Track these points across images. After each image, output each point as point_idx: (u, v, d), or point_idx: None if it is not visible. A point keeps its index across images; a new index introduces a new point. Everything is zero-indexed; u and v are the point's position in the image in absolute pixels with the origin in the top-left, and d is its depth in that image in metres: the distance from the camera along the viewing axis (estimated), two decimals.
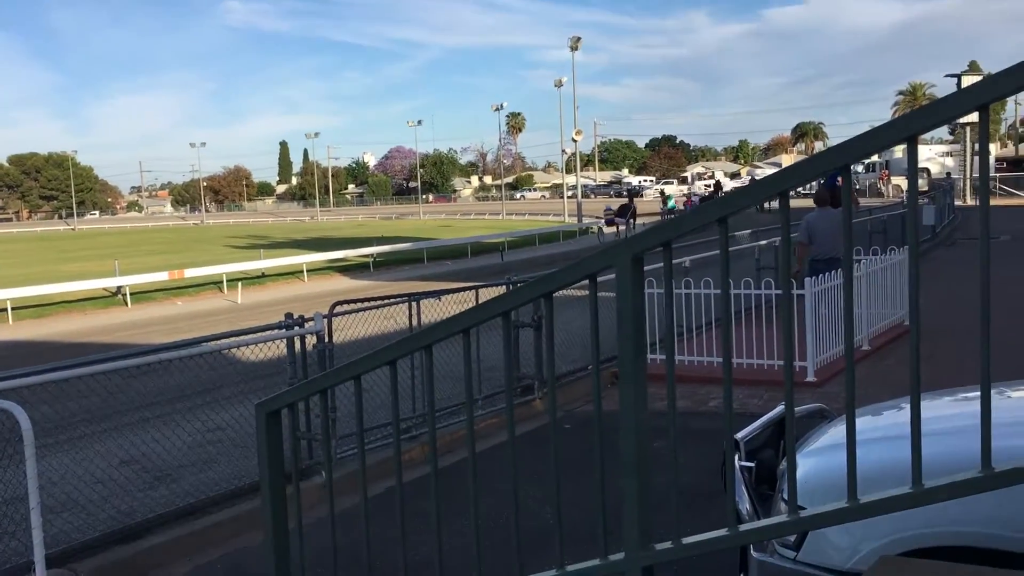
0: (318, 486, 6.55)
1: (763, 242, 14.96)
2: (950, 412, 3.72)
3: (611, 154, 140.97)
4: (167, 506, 6.49)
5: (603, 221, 43.28)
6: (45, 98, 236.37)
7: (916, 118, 1.70)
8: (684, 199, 55.39)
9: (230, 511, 6.53)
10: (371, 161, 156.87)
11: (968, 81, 47.68)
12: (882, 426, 3.63)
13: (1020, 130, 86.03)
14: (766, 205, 3.00)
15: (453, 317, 2.66)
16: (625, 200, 43.57)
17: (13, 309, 23.03)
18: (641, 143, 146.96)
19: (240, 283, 27.63)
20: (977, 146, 48.00)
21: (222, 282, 28.13)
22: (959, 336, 10.59)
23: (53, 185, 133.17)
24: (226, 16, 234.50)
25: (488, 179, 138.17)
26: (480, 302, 9.94)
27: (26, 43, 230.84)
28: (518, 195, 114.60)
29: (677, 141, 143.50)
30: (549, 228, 48.48)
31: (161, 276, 27.92)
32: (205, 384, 7.74)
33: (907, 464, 1.83)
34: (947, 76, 50.35)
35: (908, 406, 1.87)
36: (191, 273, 28.59)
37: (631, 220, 38.83)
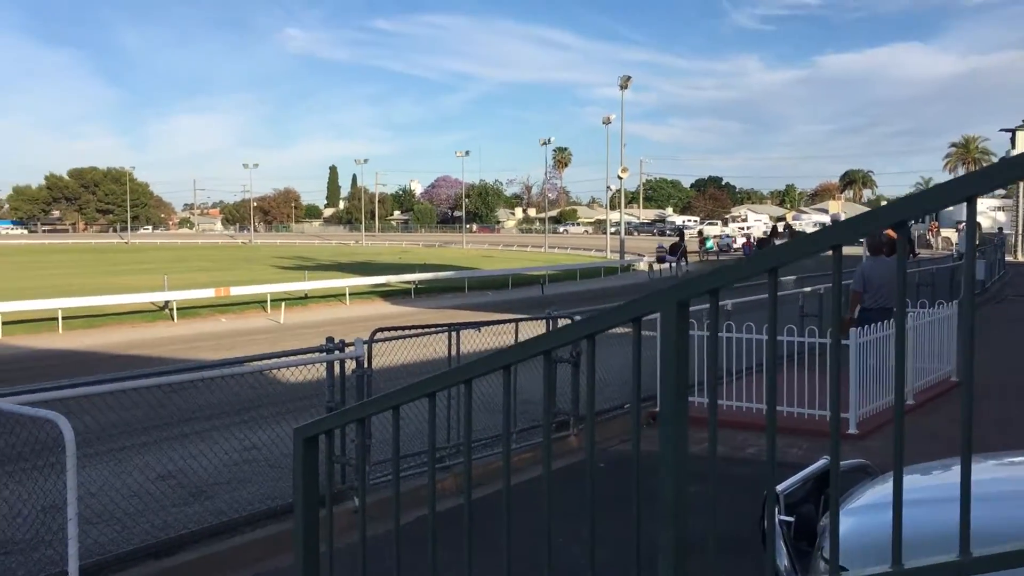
0: (350, 511, 6.55)
1: (808, 288, 14.78)
2: (997, 476, 3.63)
3: (656, 192, 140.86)
4: (200, 523, 6.53)
5: (655, 257, 44.66)
6: (108, 114, 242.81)
7: (975, 181, 1.67)
8: (744, 241, 55.16)
9: (262, 531, 6.55)
10: (418, 189, 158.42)
11: (1023, 136, 47.00)
12: (928, 487, 3.55)
13: None
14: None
15: (495, 353, 2.66)
16: (676, 239, 45.04)
17: (64, 318, 23.51)
18: (686, 183, 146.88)
19: (284, 303, 27.95)
20: None
21: (266, 301, 28.47)
22: (1008, 395, 10.36)
23: (110, 199, 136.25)
24: (287, 43, 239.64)
25: (532, 212, 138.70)
26: (519, 335, 9.99)
27: (94, 61, 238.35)
28: (561, 229, 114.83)
29: (723, 183, 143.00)
30: (591, 263, 48.43)
31: (208, 293, 28.35)
32: (244, 402, 7.81)
33: (954, 529, 1.78)
34: (1002, 130, 49.58)
35: (956, 468, 1.82)
36: (237, 291, 28.99)
37: (682, 258, 40.76)
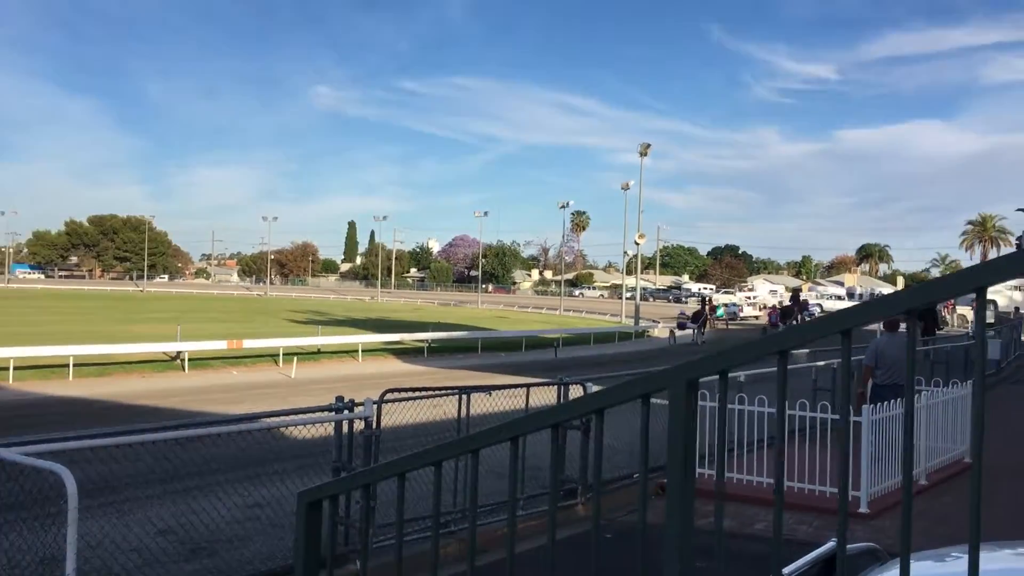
0: (350, 574, 6.46)
1: (821, 363, 14.69)
2: (1011, 567, 3.55)
3: (672, 259, 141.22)
4: None
5: (676, 324, 45.70)
6: (130, 163, 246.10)
7: (987, 271, 1.68)
8: (769, 310, 54.75)
9: None
10: (435, 247, 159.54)
11: None
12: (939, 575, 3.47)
13: None
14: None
15: (503, 425, 2.66)
16: (698, 307, 46.30)
17: (75, 365, 23.58)
18: (703, 250, 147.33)
19: (296, 358, 27.97)
20: None
21: (278, 355, 28.50)
22: (1022, 478, 10.19)
23: (128, 247, 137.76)
24: (315, 100, 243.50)
25: (548, 274, 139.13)
26: (530, 400, 9.92)
27: (119, 110, 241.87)
28: (577, 292, 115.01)
29: (739, 251, 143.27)
30: (605, 328, 48.32)
31: (220, 345, 28.42)
32: (250, 458, 7.77)
33: None
34: (1019, 210, 49.61)
35: (966, 556, 1.79)
36: (249, 344, 29.04)
37: (703, 326, 41.63)
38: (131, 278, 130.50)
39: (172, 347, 27.09)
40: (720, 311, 57.89)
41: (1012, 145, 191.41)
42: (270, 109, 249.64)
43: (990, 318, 38.72)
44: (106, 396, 19.96)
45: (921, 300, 1.83)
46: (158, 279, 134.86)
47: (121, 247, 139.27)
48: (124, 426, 6.74)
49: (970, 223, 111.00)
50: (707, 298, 58.10)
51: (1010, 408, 17.55)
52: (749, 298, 74.69)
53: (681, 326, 45.04)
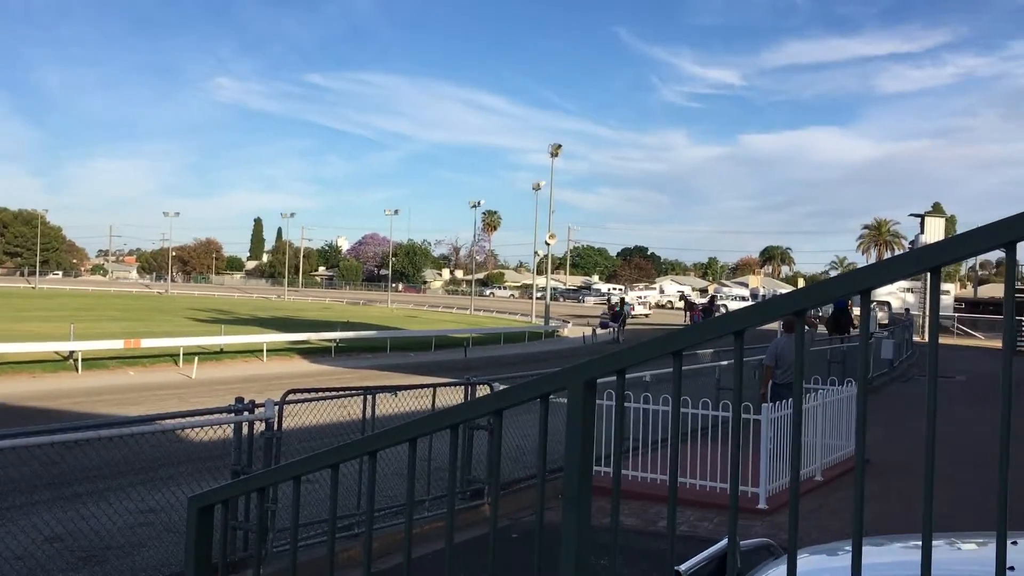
0: None
1: (724, 362, 15.05)
2: (903, 559, 3.67)
3: (583, 259, 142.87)
4: None
5: (599, 323, 48.85)
6: (23, 154, 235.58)
7: (871, 274, 1.72)
8: (693, 310, 58.05)
9: None
10: (344, 245, 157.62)
11: (931, 223, 49.29)
12: (830, 569, 3.57)
13: (980, 272, 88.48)
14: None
15: (402, 426, 2.61)
16: (617, 308, 49.65)
17: None
18: (613, 251, 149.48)
19: (197, 358, 27.18)
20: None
21: (178, 355, 27.67)
22: (912, 474, 10.62)
23: (19, 242, 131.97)
24: (216, 91, 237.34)
25: (459, 273, 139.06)
26: (436, 401, 9.85)
27: (12, 99, 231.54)
28: (488, 292, 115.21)
29: (648, 252, 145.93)
30: (515, 328, 48.53)
31: (116, 344, 27.41)
32: (146, 462, 7.50)
33: None
34: (912, 215, 51.93)
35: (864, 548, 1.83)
36: (148, 343, 28.10)
37: (621, 325, 45.04)
38: (22, 274, 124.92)
39: (64, 346, 25.98)
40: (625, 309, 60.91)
41: (905, 152, 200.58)
42: (171, 101, 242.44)
43: (884, 319, 40.37)
44: None
45: (809, 302, 1.87)
46: (51, 275, 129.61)
47: (12, 241, 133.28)
48: (9, 428, 6.41)
49: (866, 227, 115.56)
50: (622, 299, 59.76)
51: (902, 406, 18.30)
52: (640, 297, 79.86)
53: (604, 325, 47.42)
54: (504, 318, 61.99)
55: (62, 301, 66.15)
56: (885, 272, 1.71)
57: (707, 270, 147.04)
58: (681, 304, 72.94)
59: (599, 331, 46.54)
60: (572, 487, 2.23)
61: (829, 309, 26.72)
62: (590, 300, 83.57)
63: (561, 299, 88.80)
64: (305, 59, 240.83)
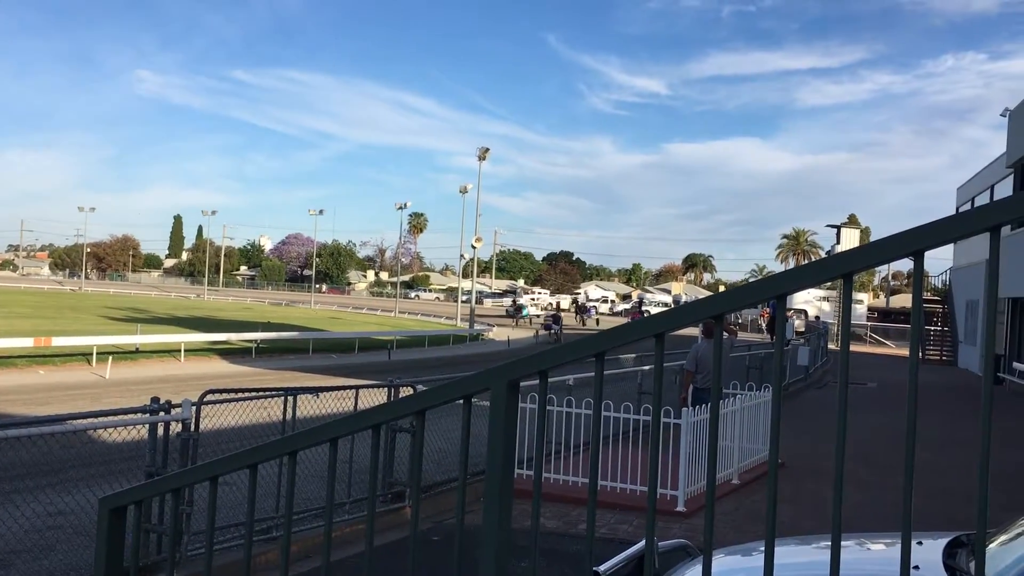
0: None
1: (647, 367, 15.26)
2: (815, 559, 3.78)
3: (509, 263, 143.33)
4: None
5: (543, 325, 53.32)
6: None
7: (785, 280, 1.78)
8: (631, 313, 69.29)
9: None
10: (267, 245, 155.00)
11: (847, 233, 50.87)
12: (744, 569, 3.66)
13: (892, 283, 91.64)
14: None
15: (322, 426, 2.58)
16: (555, 312, 56.61)
17: None
18: (539, 256, 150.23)
19: (111, 357, 26.38)
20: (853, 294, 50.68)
21: (92, 354, 26.81)
22: (825, 477, 10.94)
23: None
24: (136, 84, 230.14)
25: (384, 275, 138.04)
26: (359, 403, 9.75)
27: None
28: (413, 294, 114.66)
29: (573, 258, 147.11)
30: (440, 331, 48.42)
31: (26, 342, 26.44)
32: (55, 463, 7.26)
33: None
34: (828, 226, 53.55)
35: (777, 549, 1.88)
36: (59, 342, 27.16)
37: (560, 326, 49.49)
38: None
39: None
40: (525, 311, 69.21)
41: (823, 165, 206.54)
42: (89, 92, 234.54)
43: (801, 327, 41.49)
44: None
45: (729, 305, 1.91)
46: None
47: None
48: None
49: (785, 237, 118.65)
50: (558, 303, 70.94)
51: (816, 411, 18.83)
52: (533, 299, 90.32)
53: (547, 327, 51.18)
54: (429, 321, 61.77)
55: None
56: (801, 277, 1.77)
57: (631, 276, 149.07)
58: (572, 309, 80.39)
59: (541, 332, 50.35)
60: (493, 487, 2.24)
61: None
62: (487, 302, 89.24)
63: (487, 302, 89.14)
64: (230, 55, 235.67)
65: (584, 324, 65.12)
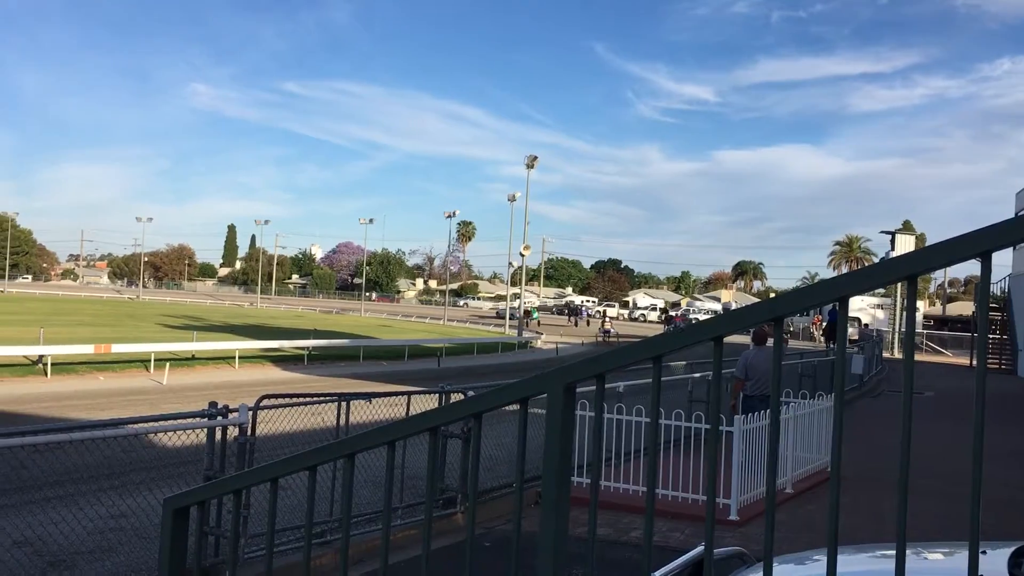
0: None
1: (697, 375, 15.13)
2: (871, 569, 3.72)
3: (557, 271, 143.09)
4: None
5: (602, 331, 57.51)
6: None
7: (848, 282, 1.76)
8: (675, 316, 74.75)
9: None
10: (318, 253, 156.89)
11: (901, 240, 49.87)
12: None
13: (948, 290, 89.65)
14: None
15: (380, 428, 2.61)
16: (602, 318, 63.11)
17: None
18: (587, 264, 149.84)
19: (168, 364, 26.91)
20: (905, 301, 49.70)
21: (150, 361, 27.38)
22: (880, 486, 10.74)
23: None
24: (192, 98, 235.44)
25: (433, 283, 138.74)
26: (411, 409, 9.84)
27: None
28: (461, 302, 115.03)
29: (622, 265, 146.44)
30: (489, 338, 48.51)
31: (87, 349, 27.09)
32: (116, 467, 7.43)
33: None
34: (882, 232, 52.62)
35: (825, 559, 1.86)
36: (119, 348, 27.78)
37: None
38: None
39: (33, 350, 25.63)
40: (535, 315, 71.96)
41: (876, 171, 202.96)
42: (145, 106, 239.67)
43: (855, 335, 40.78)
44: None
45: (787, 309, 1.90)
46: (21, 279, 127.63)
47: None
48: None
49: (837, 244, 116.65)
50: (605, 310, 75.64)
51: (871, 421, 18.48)
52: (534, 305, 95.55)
53: (606, 332, 56.13)
54: (478, 329, 61.94)
55: (32, 305, 65.26)
56: (863, 280, 1.75)
57: (680, 284, 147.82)
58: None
59: (600, 338, 55.34)
60: (550, 492, 2.24)
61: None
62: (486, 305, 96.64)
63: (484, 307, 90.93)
64: (282, 67, 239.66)
65: (576, 325, 71.89)
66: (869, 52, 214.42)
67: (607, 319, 64.02)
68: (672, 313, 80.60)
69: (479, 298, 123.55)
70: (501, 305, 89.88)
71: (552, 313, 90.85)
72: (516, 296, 68.94)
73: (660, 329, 66.08)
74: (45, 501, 7.32)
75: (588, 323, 74.37)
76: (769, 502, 1.93)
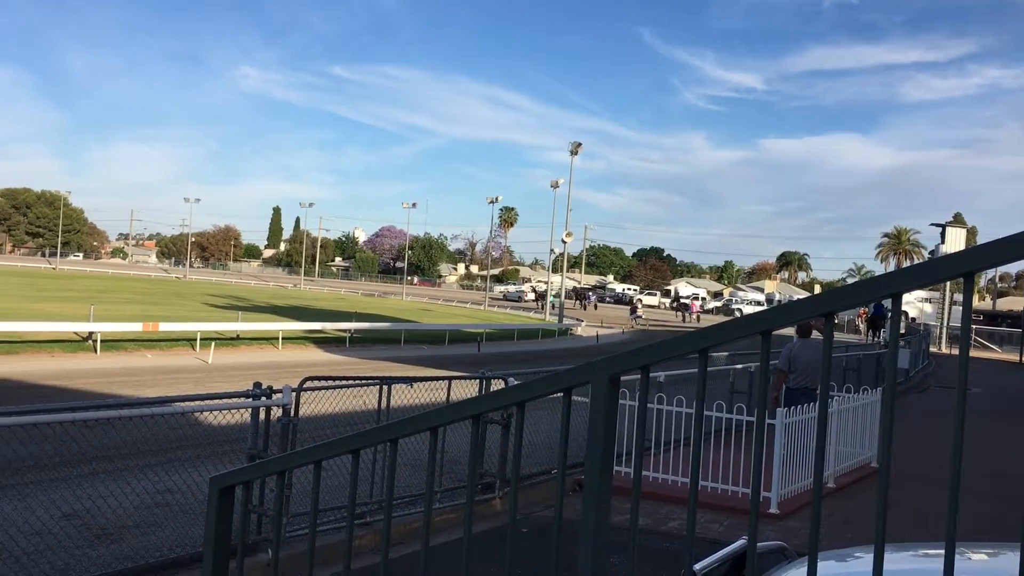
0: (263, 564, 6.35)
1: (739, 366, 15.01)
2: (913, 568, 3.67)
3: (598, 259, 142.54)
4: (104, 567, 6.26)
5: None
6: (47, 136, 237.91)
7: (901, 278, 1.72)
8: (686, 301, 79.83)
9: None
10: (361, 237, 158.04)
11: (952, 233, 48.87)
12: (844, 575, 3.57)
13: (999, 285, 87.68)
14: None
15: (423, 415, 2.63)
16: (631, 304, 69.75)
17: None
18: (629, 251, 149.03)
19: (213, 343, 27.35)
20: (954, 296, 48.85)
21: (195, 340, 27.84)
22: (925, 485, 10.57)
23: (41, 223, 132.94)
24: (240, 80, 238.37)
25: (474, 268, 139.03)
26: (451, 394, 9.89)
27: (38, 81, 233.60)
28: (502, 288, 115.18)
29: (664, 254, 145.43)
30: (529, 324, 48.55)
31: (135, 327, 27.61)
32: (162, 443, 7.57)
33: None
34: (932, 225, 51.51)
35: (870, 556, 1.84)
36: (166, 327, 28.28)
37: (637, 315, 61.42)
38: (43, 255, 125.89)
39: (84, 327, 26.21)
40: (552, 297, 79.86)
41: (927, 162, 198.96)
42: (194, 88, 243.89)
43: (901, 329, 40.08)
44: (12, 375, 19.22)
45: (839, 304, 1.87)
46: (72, 257, 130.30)
47: (34, 222, 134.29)
48: (29, 405, 6.49)
49: (886, 235, 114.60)
50: (634, 295, 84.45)
51: (916, 416, 18.20)
52: (533, 287, 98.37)
53: (636, 317, 61.24)
54: (518, 315, 62.00)
55: (82, 283, 66.65)
56: (919, 275, 1.71)
57: (723, 273, 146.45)
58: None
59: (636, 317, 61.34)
60: (593, 482, 2.24)
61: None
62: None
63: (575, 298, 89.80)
64: (328, 51, 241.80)
65: (584, 308, 75.85)
66: (922, 40, 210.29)
67: (639, 305, 71.45)
68: (685, 299, 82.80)
69: (520, 284, 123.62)
70: (511, 288, 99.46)
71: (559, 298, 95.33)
72: (544, 283, 72.77)
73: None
74: (93, 475, 7.49)
75: (595, 307, 79.58)
76: (816, 499, 1.91)
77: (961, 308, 1.69)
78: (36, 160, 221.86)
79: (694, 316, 70.81)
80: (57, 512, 6.66)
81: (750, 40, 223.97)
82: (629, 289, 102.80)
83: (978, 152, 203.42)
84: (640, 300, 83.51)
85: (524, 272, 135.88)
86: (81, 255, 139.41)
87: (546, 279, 74.80)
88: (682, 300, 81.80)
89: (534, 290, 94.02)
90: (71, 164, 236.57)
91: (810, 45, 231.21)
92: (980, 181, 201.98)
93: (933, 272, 1.72)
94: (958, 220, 73.29)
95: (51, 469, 7.77)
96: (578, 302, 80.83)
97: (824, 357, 1.95)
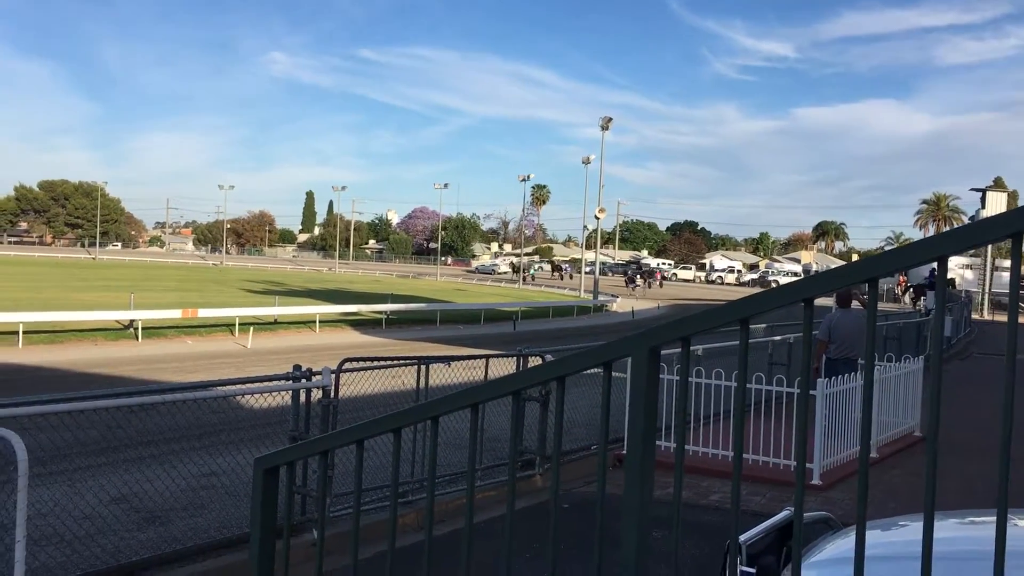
0: (307, 544, 6.44)
1: (777, 337, 14.89)
2: (959, 535, 3.63)
3: (632, 234, 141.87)
4: (153, 550, 6.39)
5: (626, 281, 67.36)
6: (83, 127, 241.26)
7: (947, 241, 1.68)
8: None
9: (215, 562, 6.42)
10: (394, 219, 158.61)
11: (992, 197, 47.94)
12: (890, 543, 3.54)
13: None
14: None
15: (463, 391, 2.63)
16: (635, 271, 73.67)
17: (25, 332, 23.11)
18: (662, 226, 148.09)
19: (252, 328, 27.68)
20: (995, 261, 47.97)
21: (234, 325, 28.18)
22: (969, 453, 10.44)
23: (80, 213, 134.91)
24: (270, 66, 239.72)
25: (508, 247, 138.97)
26: (489, 372, 9.91)
27: (73, 73, 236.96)
28: (536, 266, 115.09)
29: (698, 228, 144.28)
30: (564, 302, 48.50)
31: (175, 314, 28.02)
32: (205, 427, 7.68)
33: None
34: (972, 190, 50.58)
35: (918, 524, 1.81)
36: (204, 313, 28.67)
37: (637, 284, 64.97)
38: (83, 245, 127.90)
39: (125, 315, 26.65)
40: (532, 270, 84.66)
41: (965, 126, 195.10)
42: (226, 75, 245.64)
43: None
44: (57, 364, 19.61)
45: (882, 269, 1.84)
46: (111, 247, 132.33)
47: (73, 213, 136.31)
48: (75, 392, 6.62)
49: (924, 202, 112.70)
50: (638, 262, 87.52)
51: (958, 384, 17.94)
52: (539, 265, 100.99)
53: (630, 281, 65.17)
54: (552, 292, 61.97)
55: (122, 272, 67.69)
56: (965, 237, 1.67)
57: (758, 245, 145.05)
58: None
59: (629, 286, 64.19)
60: (635, 455, 2.23)
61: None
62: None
63: (610, 274, 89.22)
64: (356, 34, 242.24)
65: (562, 279, 79.19)
66: (958, 2, 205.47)
67: (658, 278, 75.20)
68: (640, 267, 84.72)
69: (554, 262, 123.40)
70: (486, 262, 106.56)
71: (541, 271, 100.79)
72: (575, 260, 74.22)
73: (737, 291, 67.52)
74: (140, 460, 7.63)
75: (571, 276, 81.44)
76: (862, 470, 1.88)
77: (1005, 274, 1.65)
78: (72, 152, 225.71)
79: (651, 286, 70.52)
80: (106, 496, 6.80)
81: (781, 7, 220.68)
82: (664, 264, 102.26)
83: (1017, 114, 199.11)
84: (659, 273, 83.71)
85: (558, 250, 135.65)
86: (119, 245, 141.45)
87: (579, 255, 75.00)
88: (644, 270, 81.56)
89: (511, 264, 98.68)
90: (106, 155, 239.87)
91: (843, 11, 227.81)
92: (1020, 144, 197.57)
93: (980, 233, 1.68)
94: (999, 184, 71.87)
95: (98, 455, 7.92)
96: (554, 273, 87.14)
97: (868, 324, 1.91)
